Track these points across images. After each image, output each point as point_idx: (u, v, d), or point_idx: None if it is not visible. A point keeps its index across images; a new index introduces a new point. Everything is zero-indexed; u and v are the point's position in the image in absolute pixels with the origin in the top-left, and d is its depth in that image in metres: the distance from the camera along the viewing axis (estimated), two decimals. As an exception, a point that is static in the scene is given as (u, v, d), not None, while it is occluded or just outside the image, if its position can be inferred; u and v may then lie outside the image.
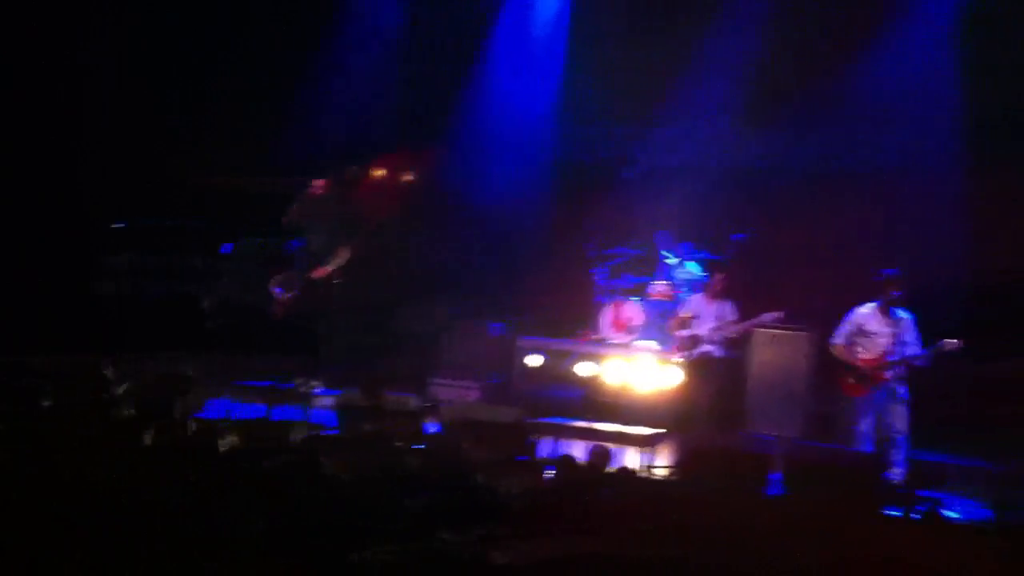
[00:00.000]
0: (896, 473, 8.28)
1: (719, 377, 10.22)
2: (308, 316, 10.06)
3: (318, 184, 10.15)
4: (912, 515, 6.21)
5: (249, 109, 12.64)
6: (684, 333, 10.28)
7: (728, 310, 10.16)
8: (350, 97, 12.80)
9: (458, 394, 10.79)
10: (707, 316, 10.23)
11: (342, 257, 10.04)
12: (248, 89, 12.73)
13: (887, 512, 6.36)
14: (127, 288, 11.49)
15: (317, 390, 9.72)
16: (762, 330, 10.35)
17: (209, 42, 12.71)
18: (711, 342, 10.18)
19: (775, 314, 10.09)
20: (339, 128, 12.49)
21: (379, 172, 10.46)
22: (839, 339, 8.88)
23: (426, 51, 13.12)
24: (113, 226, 11.80)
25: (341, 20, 13.04)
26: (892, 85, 11.50)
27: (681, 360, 10.32)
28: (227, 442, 5.15)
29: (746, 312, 10.25)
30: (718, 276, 10.39)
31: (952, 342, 8.27)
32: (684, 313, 10.36)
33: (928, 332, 8.60)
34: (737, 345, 10.43)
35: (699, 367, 10.22)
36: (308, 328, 10.02)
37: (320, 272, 9.97)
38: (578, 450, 8.55)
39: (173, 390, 7.22)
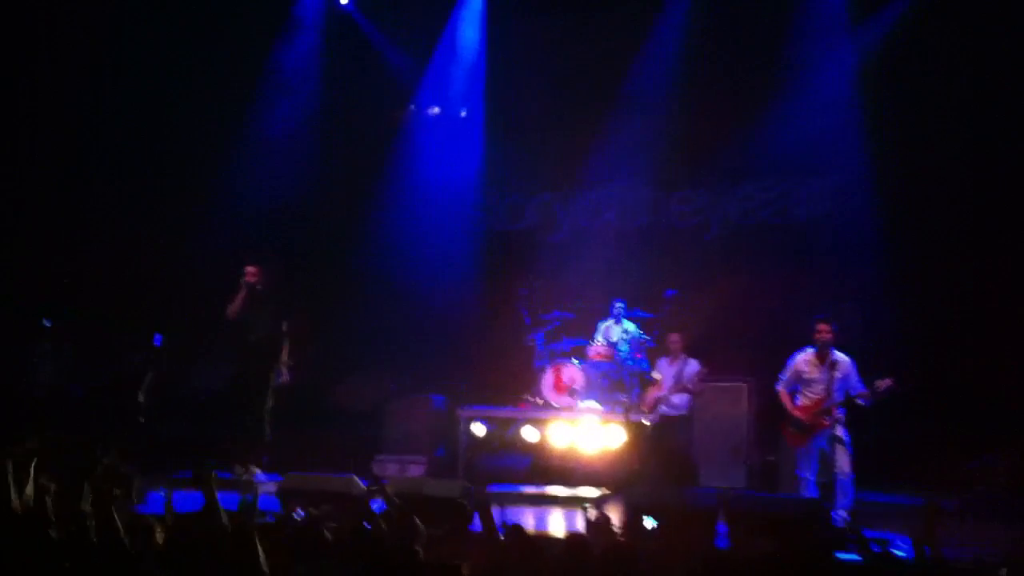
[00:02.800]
0: (842, 516, 8.30)
1: (671, 435, 10.24)
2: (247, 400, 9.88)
3: (253, 271, 9.99)
4: (860, 557, 6.24)
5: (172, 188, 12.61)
6: (650, 396, 10.34)
7: (691, 366, 10.21)
8: (267, 175, 12.78)
9: (402, 469, 10.68)
10: (668, 376, 10.30)
11: (288, 340, 9.91)
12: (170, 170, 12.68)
13: (838, 556, 6.38)
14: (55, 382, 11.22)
15: (258, 476, 9.53)
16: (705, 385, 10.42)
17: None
18: (668, 404, 10.25)
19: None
20: (255, 209, 12.48)
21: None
22: (780, 384, 8.93)
23: (345, 127, 13.17)
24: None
25: (259, 94, 13.10)
26: (798, 140, 11.75)
27: (646, 422, 10.30)
28: (161, 536, 5.01)
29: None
30: (673, 336, 10.46)
31: (885, 382, 8.35)
32: (655, 375, 10.43)
33: (862, 371, 8.68)
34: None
35: (656, 427, 10.26)
36: (244, 412, 9.82)
37: (284, 359, 9.81)
38: (528, 517, 8.51)
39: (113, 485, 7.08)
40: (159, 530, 4.74)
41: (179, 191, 12.61)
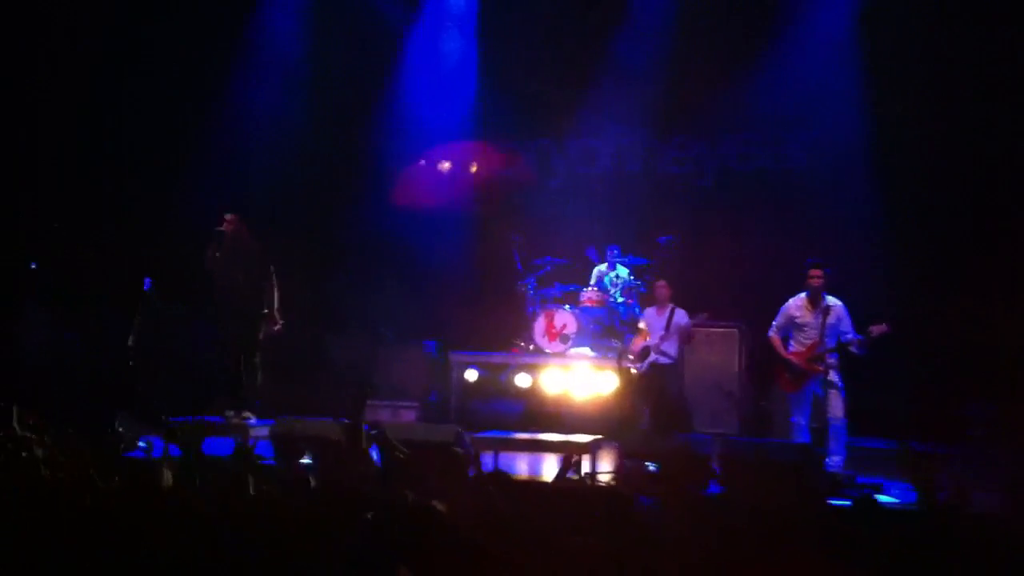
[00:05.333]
0: (835, 461, 8.34)
1: (662, 382, 10.23)
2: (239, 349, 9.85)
3: (230, 219, 9.87)
4: (847, 502, 6.26)
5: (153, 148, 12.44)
6: (637, 345, 10.33)
7: (679, 316, 10.22)
8: (254, 127, 12.61)
9: (395, 415, 10.68)
10: (656, 326, 10.28)
11: (272, 291, 9.84)
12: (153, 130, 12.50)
13: (830, 501, 6.40)
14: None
15: (250, 420, 9.52)
16: (696, 330, 10.43)
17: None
18: (658, 351, 10.22)
19: (702, 315, 10.21)
20: (243, 163, 12.35)
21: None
22: (773, 331, 8.92)
23: (334, 75, 12.99)
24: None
25: (240, 49, 12.87)
26: (795, 87, 11.62)
27: (634, 371, 10.29)
28: (165, 479, 5.00)
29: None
30: (659, 284, 10.45)
31: (880, 327, 8.34)
32: (642, 325, 10.41)
33: (856, 319, 8.67)
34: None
35: (645, 376, 10.25)
36: (235, 361, 9.80)
37: (274, 317, 9.77)
38: (521, 463, 8.53)
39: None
40: (166, 473, 4.70)
41: (166, 148, 12.42)
